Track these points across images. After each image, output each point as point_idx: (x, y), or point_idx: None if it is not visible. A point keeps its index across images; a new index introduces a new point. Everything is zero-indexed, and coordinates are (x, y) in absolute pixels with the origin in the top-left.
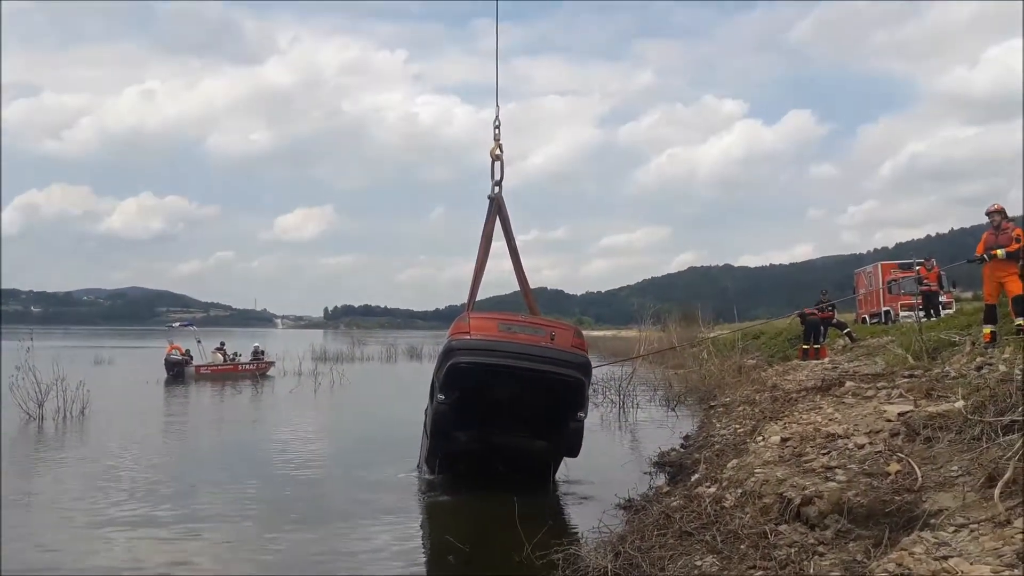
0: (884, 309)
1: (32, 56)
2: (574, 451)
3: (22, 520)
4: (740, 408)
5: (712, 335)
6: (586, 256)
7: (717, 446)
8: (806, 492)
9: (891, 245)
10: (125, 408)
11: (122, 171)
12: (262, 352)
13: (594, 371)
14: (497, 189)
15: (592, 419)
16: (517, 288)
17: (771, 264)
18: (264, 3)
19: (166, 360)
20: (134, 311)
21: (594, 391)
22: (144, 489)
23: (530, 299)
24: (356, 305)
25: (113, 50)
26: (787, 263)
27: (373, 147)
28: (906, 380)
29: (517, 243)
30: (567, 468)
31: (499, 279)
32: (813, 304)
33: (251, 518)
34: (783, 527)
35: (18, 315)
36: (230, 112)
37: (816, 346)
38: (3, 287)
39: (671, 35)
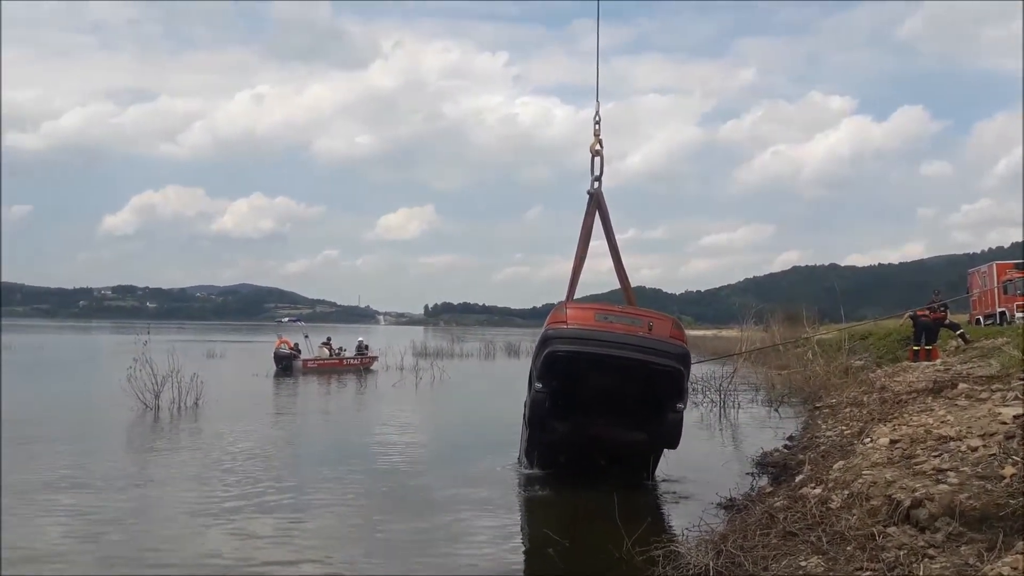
0: (999, 310)
1: (147, 63)
2: (673, 443)
3: (139, 507)
4: (847, 409)
5: (817, 335)
6: (685, 255)
7: (823, 447)
8: (916, 494)
9: (1007, 245)
10: (236, 400)
11: (234, 173)
12: (366, 347)
13: (694, 370)
14: (597, 185)
15: (692, 418)
16: (614, 288)
17: (879, 264)
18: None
19: (275, 354)
20: (244, 307)
21: (694, 390)
22: (253, 478)
23: (629, 292)
24: (455, 303)
25: (224, 56)
26: (896, 263)
27: (473, 148)
28: (1022, 382)
29: (617, 239)
30: (666, 465)
31: (597, 279)
32: (924, 305)
33: (355, 509)
34: (892, 529)
35: (135, 310)
36: (336, 116)
37: (927, 347)
38: (121, 284)
39: (774, 32)
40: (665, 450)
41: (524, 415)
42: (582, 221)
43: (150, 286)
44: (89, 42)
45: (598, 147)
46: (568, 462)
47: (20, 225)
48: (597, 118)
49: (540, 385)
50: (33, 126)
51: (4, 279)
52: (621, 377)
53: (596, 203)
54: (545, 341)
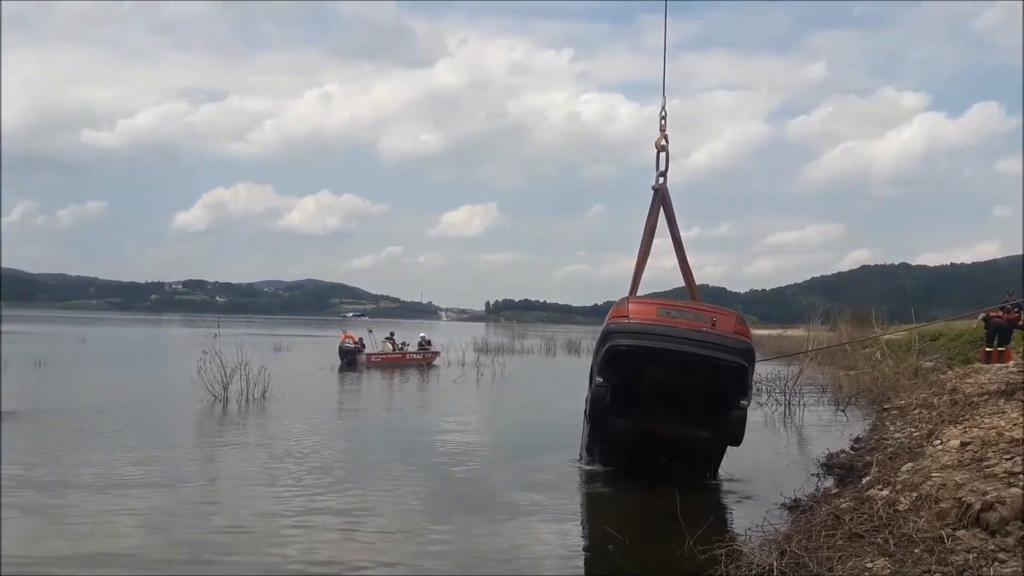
0: None
1: (219, 62)
2: (737, 440)
3: (204, 497)
4: (916, 411)
5: (886, 335)
6: (751, 254)
7: (891, 449)
8: (987, 497)
9: None
10: (302, 393)
11: (302, 171)
12: (428, 342)
13: (759, 370)
14: (662, 180)
15: (756, 418)
16: (678, 286)
17: (952, 263)
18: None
19: (340, 348)
20: (310, 302)
21: (758, 390)
22: (318, 473)
23: (693, 288)
24: (516, 299)
25: (293, 55)
26: (969, 262)
27: (536, 146)
28: None
29: (681, 234)
30: (729, 465)
31: (660, 277)
32: (997, 305)
33: (417, 506)
34: (961, 532)
35: (204, 304)
36: (401, 114)
37: (1000, 349)
38: (191, 278)
39: (847, 25)
40: (728, 449)
41: (585, 410)
42: (646, 217)
43: (219, 281)
44: (163, 42)
45: (663, 142)
46: (630, 459)
47: (95, 221)
48: (663, 113)
49: (600, 380)
50: (109, 125)
51: (80, 273)
52: (683, 372)
53: (661, 198)
54: (606, 335)
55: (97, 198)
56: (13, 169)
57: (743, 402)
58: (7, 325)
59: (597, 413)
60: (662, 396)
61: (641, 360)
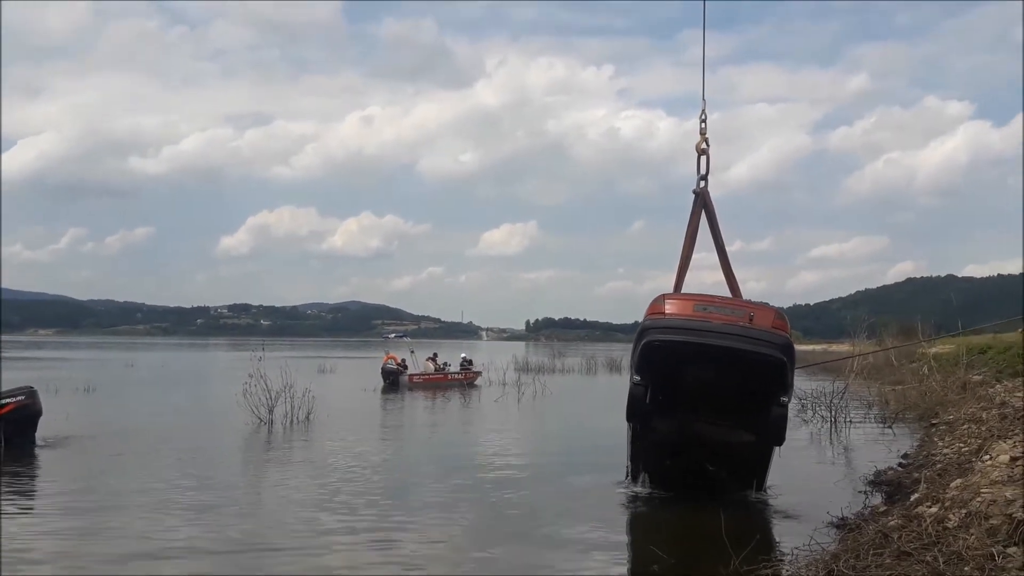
0: None
1: (265, 87)
2: (779, 438)
3: (250, 518)
4: (964, 426)
5: (933, 348)
6: (793, 268)
7: (939, 465)
8: None
9: None
10: (346, 414)
11: (344, 193)
12: (470, 362)
13: (804, 386)
14: (703, 184)
15: (802, 435)
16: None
17: (999, 275)
18: (474, 24)
19: (383, 369)
20: (353, 324)
21: (803, 407)
22: (362, 492)
23: (735, 287)
24: (556, 318)
25: (337, 79)
26: (1017, 273)
27: (576, 163)
28: None
29: (723, 238)
30: (776, 482)
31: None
32: None
33: (459, 526)
34: (1012, 549)
35: (249, 327)
36: (441, 134)
37: None
38: (236, 302)
39: (889, 36)
40: (773, 466)
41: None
42: (688, 221)
43: (263, 304)
44: (211, 69)
45: (704, 146)
46: (674, 465)
47: (142, 247)
48: (703, 116)
49: (638, 378)
50: (155, 151)
51: (127, 299)
52: (721, 369)
53: (702, 202)
54: (643, 332)
55: (144, 224)
56: (62, 196)
57: (783, 399)
58: (56, 352)
59: (636, 413)
60: (702, 395)
61: (678, 356)
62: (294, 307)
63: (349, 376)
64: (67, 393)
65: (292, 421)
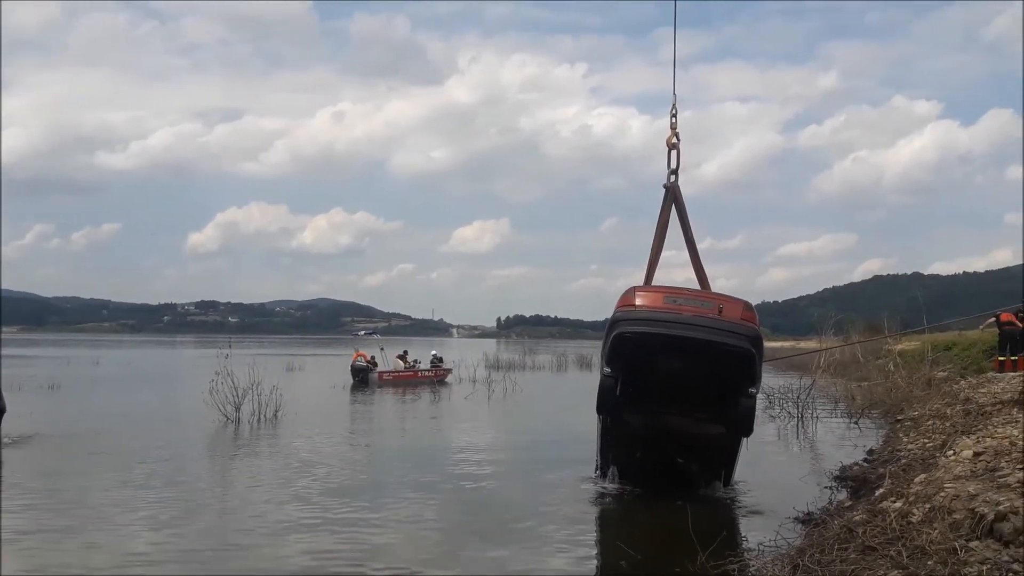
0: None
1: (236, 83)
2: (747, 429)
3: (217, 516)
4: (929, 422)
5: (899, 346)
6: (763, 265)
7: (904, 460)
8: (1001, 508)
9: None
10: (315, 412)
11: (315, 189)
12: (440, 360)
13: (772, 383)
14: (673, 178)
15: (769, 432)
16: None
17: (965, 272)
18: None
19: (352, 366)
20: (323, 321)
21: (770, 403)
22: (330, 490)
23: (704, 280)
24: (528, 315)
25: (309, 74)
26: (983, 270)
27: (548, 160)
28: None
29: (693, 232)
30: (741, 478)
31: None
32: (1007, 308)
33: (426, 522)
34: (974, 544)
35: (216, 325)
36: (413, 131)
37: (1014, 358)
38: (204, 299)
39: (861, 36)
40: (741, 461)
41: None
42: (658, 215)
43: (232, 301)
44: (181, 64)
45: (675, 140)
46: (644, 458)
47: (109, 243)
48: (673, 111)
49: (609, 369)
50: (122, 146)
51: (93, 295)
52: (691, 360)
53: (672, 196)
54: (614, 323)
55: (111, 220)
56: (28, 192)
57: (752, 390)
58: (20, 349)
59: (606, 404)
60: (672, 388)
61: (649, 348)
62: (263, 304)
63: (318, 374)
64: (31, 391)
65: (260, 419)
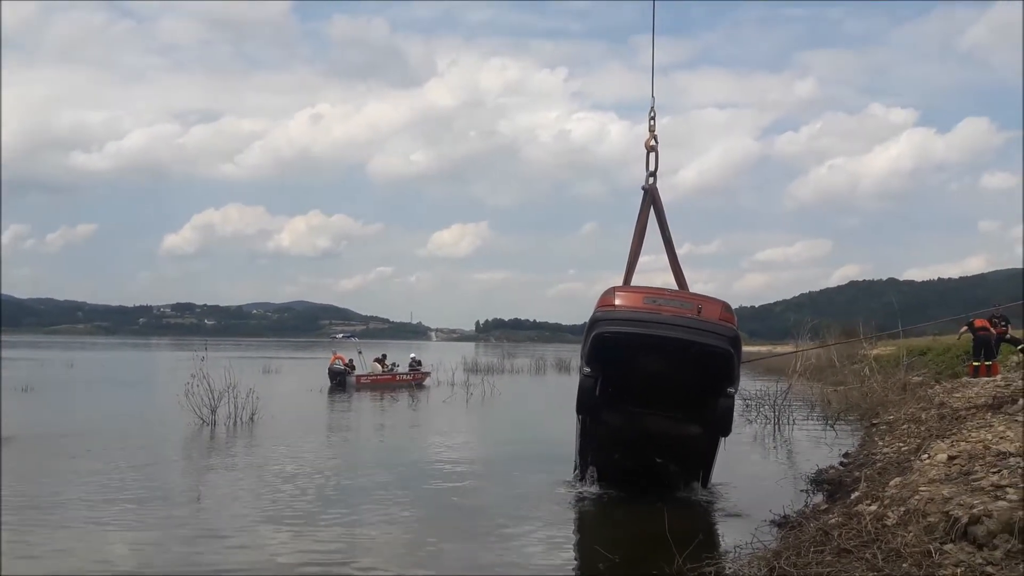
0: None
1: (216, 84)
2: (725, 429)
3: (192, 518)
4: (904, 426)
5: (874, 351)
6: (740, 271)
7: (879, 464)
8: (974, 511)
9: None
10: (291, 415)
11: (293, 191)
12: (418, 363)
13: (749, 387)
14: (652, 180)
15: (745, 435)
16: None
17: (939, 278)
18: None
19: (330, 370)
20: (300, 324)
21: (747, 407)
22: (306, 493)
23: (682, 281)
24: (506, 319)
25: (289, 76)
26: (957, 277)
27: (528, 164)
28: None
29: (671, 233)
30: (718, 481)
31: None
32: (980, 313)
33: (404, 525)
34: (949, 546)
35: (193, 327)
36: (392, 134)
37: (987, 363)
38: (180, 301)
39: (839, 44)
40: (718, 464)
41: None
42: (637, 216)
43: (208, 304)
44: (158, 64)
45: (653, 143)
46: (623, 458)
47: (84, 244)
48: (652, 114)
49: (588, 369)
50: (98, 147)
51: (68, 297)
52: (670, 360)
53: (651, 198)
54: (593, 323)
55: (87, 221)
56: (3, 192)
57: (730, 389)
58: None
59: (585, 405)
60: (651, 388)
61: (628, 348)
62: (239, 307)
63: (295, 377)
64: (4, 393)
65: (236, 422)
